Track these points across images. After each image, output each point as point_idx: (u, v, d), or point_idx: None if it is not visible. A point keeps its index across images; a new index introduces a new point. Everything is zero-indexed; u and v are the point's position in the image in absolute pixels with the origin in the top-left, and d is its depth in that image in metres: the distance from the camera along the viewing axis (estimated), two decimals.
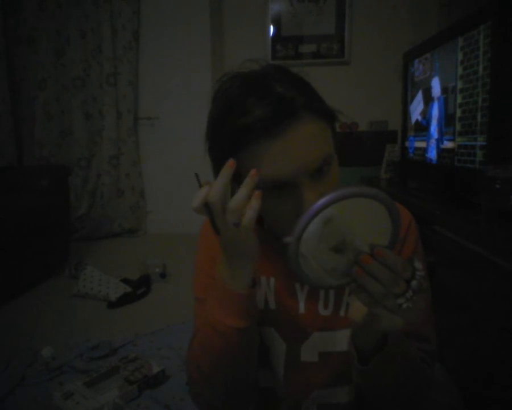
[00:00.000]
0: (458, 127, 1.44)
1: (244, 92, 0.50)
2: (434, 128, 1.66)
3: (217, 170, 0.52)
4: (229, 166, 0.44)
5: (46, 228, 2.36)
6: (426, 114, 1.75)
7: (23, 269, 2.19)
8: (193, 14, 3.15)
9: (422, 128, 1.80)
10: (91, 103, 3.29)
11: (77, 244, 3.02)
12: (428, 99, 1.72)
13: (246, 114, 0.48)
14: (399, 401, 0.56)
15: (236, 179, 0.49)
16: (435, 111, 1.64)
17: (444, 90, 1.56)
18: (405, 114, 2.01)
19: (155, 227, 3.41)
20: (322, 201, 0.41)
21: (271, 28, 3.26)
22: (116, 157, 3.34)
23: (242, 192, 0.44)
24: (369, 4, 3.18)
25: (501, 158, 1.20)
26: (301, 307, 0.61)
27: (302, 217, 0.41)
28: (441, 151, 1.59)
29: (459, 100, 1.43)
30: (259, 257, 0.56)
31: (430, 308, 0.62)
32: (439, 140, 1.61)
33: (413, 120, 1.92)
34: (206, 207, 0.45)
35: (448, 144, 1.53)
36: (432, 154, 1.67)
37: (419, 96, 1.82)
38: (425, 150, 1.75)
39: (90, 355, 1.53)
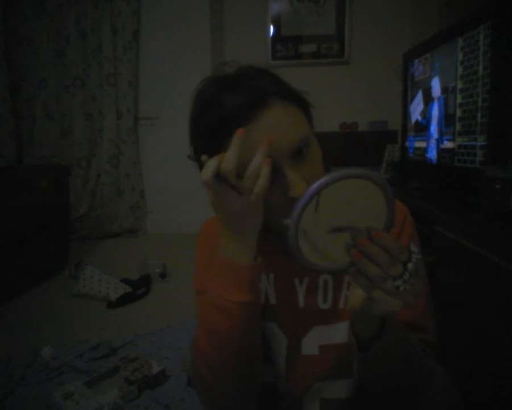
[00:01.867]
0: (458, 127, 1.44)
1: (218, 89, 0.54)
2: (434, 128, 1.66)
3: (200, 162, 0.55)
4: (239, 135, 0.46)
5: (46, 228, 2.36)
6: (426, 114, 1.75)
7: (23, 268, 2.19)
8: (193, 14, 3.15)
9: (422, 128, 1.80)
10: (91, 103, 3.29)
11: (77, 244, 3.02)
12: (428, 99, 1.72)
13: (221, 106, 0.52)
14: (401, 393, 0.56)
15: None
16: (435, 111, 1.64)
17: (444, 90, 1.56)
18: (405, 114, 2.01)
19: (155, 227, 3.42)
20: (318, 183, 0.41)
21: (271, 28, 3.26)
22: (116, 157, 3.34)
23: (257, 158, 0.47)
24: (369, 4, 3.18)
25: (501, 158, 1.20)
26: (301, 301, 0.62)
27: (299, 200, 0.42)
28: (441, 151, 1.59)
29: (459, 100, 1.43)
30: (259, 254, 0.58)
31: (428, 298, 0.63)
32: (439, 140, 1.61)
33: (413, 120, 1.92)
34: (217, 178, 0.46)
35: (447, 144, 1.53)
36: (432, 154, 1.67)
37: (419, 96, 1.82)
38: (425, 150, 1.75)
39: (90, 355, 1.53)
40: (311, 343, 0.62)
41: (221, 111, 0.52)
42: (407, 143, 2.00)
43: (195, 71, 3.17)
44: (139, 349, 1.58)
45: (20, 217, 2.19)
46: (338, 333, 0.61)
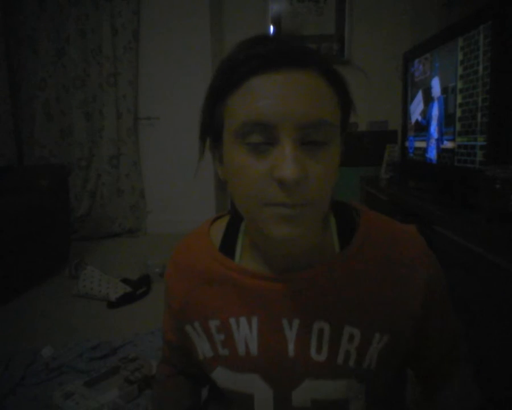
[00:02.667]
0: (458, 127, 1.44)
1: (248, 42, 0.46)
2: (434, 128, 1.66)
3: (204, 125, 0.51)
4: None
5: (46, 228, 2.36)
6: (426, 114, 1.75)
7: (23, 269, 2.19)
8: (193, 14, 3.15)
9: (422, 128, 1.80)
10: (91, 103, 3.29)
11: (77, 244, 3.02)
12: (428, 99, 1.72)
13: (244, 50, 0.44)
14: None
15: (214, 132, 0.49)
16: (435, 111, 1.64)
17: (444, 90, 1.56)
18: (405, 114, 2.01)
19: (155, 227, 3.42)
20: None
21: (271, 28, 3.26)
22: (116, 157, 3.34)
23: None
24: (369, 4, 3.18)
25: (501, 158, 1.20)
26: (290, 350, 0.52)
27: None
28: (441, 151, 1.59)
29: (459, 100, 1.43)
30: (237, 294, 0.53)
31: (452, 323, 0.59)
32: (439, 140, 1.61)
33: (413, 120, 1.92)
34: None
35: (447, 144, 1.53)
36: (432, 154, 1.67)
37: (419, 96, 1.82)
38: (425, 150, 1.75)
39: (90, 355, 1.53)
40: (303, 396, 0.53)
41: (241, 55, 0.44)
42: (407, 143, 2.00)
43: (195, 71, 3.18)
44: (139, 349, 1.58)
45: (20, 217, 2.19)
46: (335, 390, 0.52)
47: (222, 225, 0.60)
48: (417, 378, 0.61)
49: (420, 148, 1.83)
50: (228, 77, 0.45)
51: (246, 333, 0.53)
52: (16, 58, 3.12)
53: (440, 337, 0.56)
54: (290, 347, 0.52)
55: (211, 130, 0.49)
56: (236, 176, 0.45)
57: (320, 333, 0.51)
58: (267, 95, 0.42)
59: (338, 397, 0.52)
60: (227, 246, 0.57)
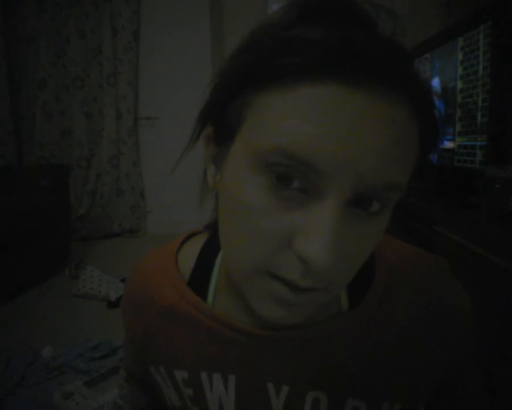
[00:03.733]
0: (458, 127, 1.44)
1: (295, 17, 0.28)
2: None
3: (209, 108, 0.35)
4: None
5: (46, 228, 2.36)
6: None
7: (23, 269, 2.19)
8: (193, 14, 3.15)
9: None
10: (91, 103, 3.29)
11: (77, 244, 3.02)
12: None
13: (303, 28, 0.27)
14: None
15: (221, 128, 0.33)
16: None
17: (444, 90, 1.56)
18: None
19: (155, 227, 3.41)
20: None
21: None
22: (116, 157, 3.34)
23: None
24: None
25: (501, 158, 1.20)
26: None
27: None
28: (441, 151, 1.59)
29: (459, 100, 1.43)
30: (210, 343, 0.41)
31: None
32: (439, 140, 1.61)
33: None
34: None
35: (447, 144, 1.53)
36: (432, 154, 1.67)
37: None
38: None
39: (90, 355, 1.53)
40: None
41: (281, 38, 0.27)
42: None
43: (195, 71, 3.18)
44: None
45: (20, 217, 2.19)
46: None
47: (195, 247, 0.45)
48: None
49: None
50: (269, 65, 0.27)
51: (221, 394, 0.42)
52: (16, 58, 3.11)
53: (461, 396, 0.45)
54: None
55: (220, 126, 0.34)
56: (240, 217, 0.30)
57: (314, 405, 0.40)
58: (323, 117, 0.26)
59: None
60: (199, 278, 0.43)
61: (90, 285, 2.12)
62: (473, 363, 0.45)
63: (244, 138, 0.30)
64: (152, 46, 3.24)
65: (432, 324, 0.39)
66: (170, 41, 3.20)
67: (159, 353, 0.45)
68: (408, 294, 0.39)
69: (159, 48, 3.23)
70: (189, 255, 0.45)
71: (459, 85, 1.42)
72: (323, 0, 0.28)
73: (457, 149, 1.45)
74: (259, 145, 0.28)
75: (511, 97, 1.19)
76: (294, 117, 0.26)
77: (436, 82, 1.63)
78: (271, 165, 0.28)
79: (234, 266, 0.33)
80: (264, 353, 0.40)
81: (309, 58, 0.26)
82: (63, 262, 2.49)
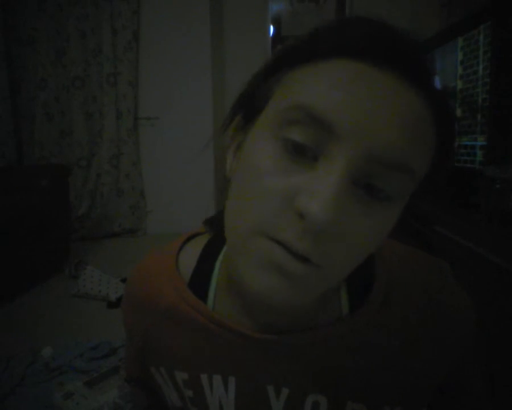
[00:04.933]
0: (458, 127, 1.44)
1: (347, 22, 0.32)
2: None
3: (244, 95, 0.37)
4: None
5: (46, 228, 2.35)
6: None
7: (23, 268, 2.19)
8: (193, 14, 3.15)
9: None
10: (91, 103, 3.29)
11: (77, 244, 3.02)
12: None
13: (339, 27, 0.32)
14: None
15: (250, 109, 0.35)
16: None
17: (444, 90, 1.56)
18: None
19: (155, 227, 3.41)
20: None
21: (271, 28, 3.26)
22: (116, 157, 3.34)
23: None
24: (369, 4, 3.17)
25: (501, 158, 1.20)
26: None
27: None
28: None
29: (459, 100, 1.43)
30: (210, 345, 0.41)
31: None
32: None
33: None
34: None
35: None
36: None
37: None
38: None
39: (90, 355, 1.53)
40: None
41: (318, 31, 0.32)
42: None
43: (195, 71, 3.18)
44: None
45: (20, 217, 2.19)
46: None
47: (196, 248, 0.45)
48: None
49: None
50: (302, 47, 0.32)
51: (221, 394, 0.42)
52: (16, 58, 3.11)
53: (464, 400, 0.45)
54: None
55: (248, 106, 0.36)
56: (248, 178, 0.31)
57: (314, 407, 0.40)
58: (345, 86, 0.28)
59: None
60: (199, 281, 0.43)
61: (90, 285, 2.12)
62: (475, 364, 0.45)
63: (269, 107, 0.32)
64: (152, 46, 3.24)
65: (432, 327, 0.39)
66: (170, 41, 3.20)
67: (159, 354, 0.45)
68: (409, 297, 0.40)
69: (159, 48, 3.23)
70: (190, 257, 0.45)
71: (459, 85, 1.42)
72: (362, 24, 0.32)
73: (457, 149, 1.45)
74: (282, 107, 0.30)
75: (511, 97, 1.19)
76: (322, 83, 0.29)
77: (436, 82, 1.63)
78: (287, 122, 0.29)
79: (233, 231, 0.33)
80: (264, 356, 0.40)
81: (345, 38, 0.30)
82: (63, 262, 2.49)
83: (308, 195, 0.28)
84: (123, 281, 2.19)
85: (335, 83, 0.28)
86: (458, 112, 1.43)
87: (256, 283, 0.30)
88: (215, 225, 0.45)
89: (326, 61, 0.30)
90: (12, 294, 2.11)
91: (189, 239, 0.48)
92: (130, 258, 2.69)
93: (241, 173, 0.33)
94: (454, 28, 1.46)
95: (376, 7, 3.16)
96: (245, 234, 0.31)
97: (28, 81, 3.16)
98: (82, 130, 3.29)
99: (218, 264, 0.43)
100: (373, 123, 0.28)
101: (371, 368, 0.39)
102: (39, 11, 3.09)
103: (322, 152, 0.29)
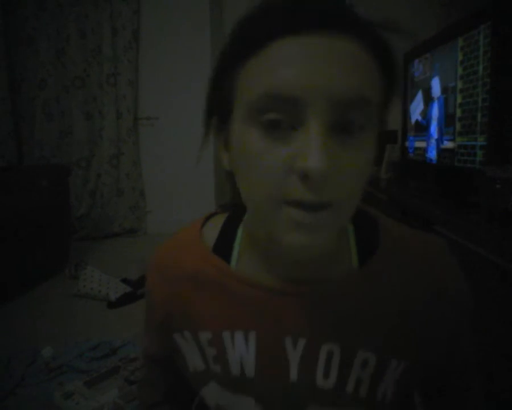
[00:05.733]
0: (458, 127, 1.44)
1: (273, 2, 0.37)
2: (434, 128, 1.66)
3: (210, 100, 0.43)
4: None
5: (46, 228, 2.36)
6: (426, 114, 1.75)
7: (23, 268, 2.19)
8: (193, 14, 3.15)
9: (422, 128, 1.80)
10: (91, 103, 3.29)
11: (77, 244, 3.02)
12: (428, 99, 1.72)
13: (267, 6, 0.37)
14: None
15: (222, 110, 0.40)
16: (435, 111, 1.64)
17: (444, 90, 1.56)
18: (405, 114, 2.01)
19: (155, 227, 3.41)
20: None
21: None
22: (116, 157, 3.34)
23: None
24: (369, 4, 3.17)
25: (501, 158, 1.20)
26: (293, 374, 0.45)
27: None
28: (441, 151, 1.59)
29: (459, 100, 1.43)
30: (233, 303, 0.46)
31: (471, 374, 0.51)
32: (439, 140, 1.61)
33: (413, 120, 1.92)
34: None
35: (448, 144, 1.53)
36: (432, 154, 1.67)
37: (419, 96, 1.82)
38: (425, 150, 1.75)
39: (90, 355, 1.53)
40: None
41: (246, 22, 0.38)
42: (407, 143, 2.00)
43: (196, 71, 3.18)
44: (139, 349, 1.58)
45: (20, 217, 2.19)
46: None
47: (217, 222, 0.51)
48: None
49: (420, 148, 1.83)
50: (247, 38, 0.37)
51: (242, 352, 0.46)
52: (16, 58, 3.12)
53: (459, 372, 0.49)
54: (293, 371, 0.45)
55: (219, 107, 0.41)
56: (247, 164, 0.37)
57: (328, 356, 0.44)
58: (293, 61, 0.34)
59: None
60: (223, 247, 0.48)
61: (90, 285, 2.12)
62: (470, 346, 0.49)
63: (239, 103, 0.37)
64: (152, 46, 3.24)
65: (428, 288, 0.44)
66: (170, 41, 3.20)
67: (184, 318, 0.49)
68: (408, 260, 0.45)
69: (159, 48, 3.23)
70: (212, 229, 0.50)
71: (459, 85, 1.42)
72: None
73: (457, 149, 1.45)
74: (250, 100, 0.35)
75: (511, 97, 1.19)
76: (273, 67, 0.34)
77: (436, 82, 1.63)
78: (261, 111, 0.35)
79: (254, 206, 0.39)
80: (283, 308, 0.44)
81: (275, 24, 0.35)
82: (63, 262, 2.49)
83: (302, 157, 0.33)
84: (123, 281, 2.20)
85: (290, 62, 0.34)
86: (458, 112, 1.43)
87: (292, 242, 0.36)
88: (231, 205, 0.51)
89: (274, 43, 0.34)
90: (12, 294, 2.11)
91: (208, 218, 0.53)
92: (130, 258, 2.69)
93: (240, 162, 0.38)
94: (454, 28, 1.46)
95: (376, 7, 3.16)
96: (269, 207, 0.36)
97: (28, 81, 3.16)
98: (82, 130, 3.29)
99: (239, 231, 0.48)
100: (328, 81, 0.33)
101: (380, 318, 0.44)
102: (39, 11, 3.09)
103: (298, 121, 0.34)
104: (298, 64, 0.33)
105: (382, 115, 0.40)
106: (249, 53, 0.36)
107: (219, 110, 0.41)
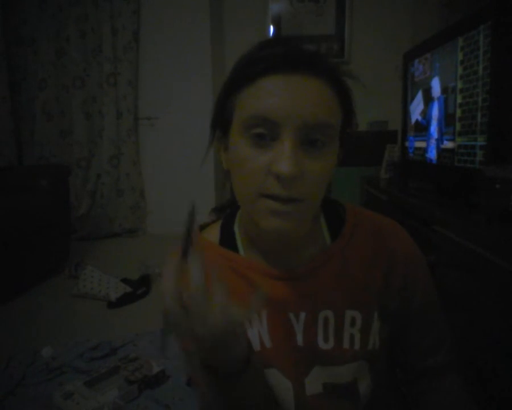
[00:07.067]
0: (458, 127, 1.44)
1: (267, 43, 0.50)
2: (434, 128, 1.66)
3: (216, 115, 0.54)
4: (171, 259, 0.41)
5: (46, 228, 2.36)
6: (426, 114, 1.75)
7: (23, 269, 2.19)
8: (193, 14, 3.15)
9: (422, 128, 1.80)
10: (91, 103, 3.29)
11: (77, 244, 3.02)
12: (428, 99, 1.72)
13: (259, 51, 0.49)
14: None
15: (224, 123, 0.52)
16: (435, 111, 1.64)
17: (444, 90, 1.56)
18: (405, 114, 2.01)
19: (155, 227, 3.41)
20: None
21: (271, 28, 3.26)
22: (116, 157, 3.34)
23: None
24: (369, 4, 3.18)
25: (501, 158, 1.20)
26: (299, 340, 0.56)
27: None
28: (441, 151, 1.59)
29: (459, 100, 1.43)
30: (247, 288, 0.55)
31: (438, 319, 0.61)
32: (439, 140, 1.61)
33: (413, 120, 1.92)
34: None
35: (448, 144, 1.53)
36: (432, 154, 1.67)
37: (419, 96, 1.82)
38: (425, 150, 1.75)
39: (90, 355, 1.53)
40: (314, 383, 0.57)
41: (256, 55, 0.49)
42: (407, 143, 2.00)
43: (195, 71, 3.18)
44: (139, 349, 1.58)
45: (20, 217, 2.19)
46: (344, 374, 0.56)
47: (213, 228, 0.62)
48: (406, 385, 0.63)
49: (420, 148, 1.83)
50: (243, 74, 0.49)
51: (259, 327, 0.56)
52: (16, 58, 3.12)
53: (425, 326, 0.59)
54: (299, 338, 0.56)
55: (222, 121, 0.53)
56: (238, 166, 0.49)
57: (325, 322, 0.56)
58: (275, 94, 0.46)
59: (347, 379, 0.56)
60: (228, 243, 0.59)
61: (90, 285, 2.12)
62: (441, 317, 0.60)
63: (236, 119, 0.50)
64: (152, 46, 3.24)
65: (387, 247, 0.57)
66: (170, 41, 3.20)
67: None
68: (369, 230, 0.58)
69: (159, 48, 3.23)
70: (210, 232, 0.61)
71: (459, 85, 1.42)
72: (272, 42, 0.50)
73: (457, 149, 1.45)
74: (243, 117, 0.48)
75: (511, 97, 1.19)
76: (261, 96, 0.47)
77: (436, 82, 1.63)
78: (251, 127, 0.47)
79: (242, 198, 0.51)
80: (285, 291, 0.55)
81: (263, 66, 0.47)
82: (63, 262, 2.49)
83: (276, 163, 0.45)
84: (123, 281, 2.20)
85: (271, 93, 0.46)
86: (458, 112, 1.43)
87: (268, 225, 0.48)
88: (225, 207, 0.63)
89: (262, 79, 0.47)
90: (12, 294, 2.11)
91: (202, 228, 0.63)
92: (130, 258, 2.69)
93: (234, 164, 0.50)
94: (454, 28, 1.46)
95: (376, 7, 3.16)
96: (252, 198, 0.48)
97: (28, 81, 3.16)
98: (82, 130, 3.29)
99: (236, 228, 0.60)
100: (299, 110, 0.45)
101: (355, 281, 0.56)
102: (39, 11, 3.09)
103: (276, 136, 0.46)
104: (278, 95, 0.46)
105: (341, 135, 0.52)
106: (244, 85, 0.48)
107: (221, 124, 0.53)
